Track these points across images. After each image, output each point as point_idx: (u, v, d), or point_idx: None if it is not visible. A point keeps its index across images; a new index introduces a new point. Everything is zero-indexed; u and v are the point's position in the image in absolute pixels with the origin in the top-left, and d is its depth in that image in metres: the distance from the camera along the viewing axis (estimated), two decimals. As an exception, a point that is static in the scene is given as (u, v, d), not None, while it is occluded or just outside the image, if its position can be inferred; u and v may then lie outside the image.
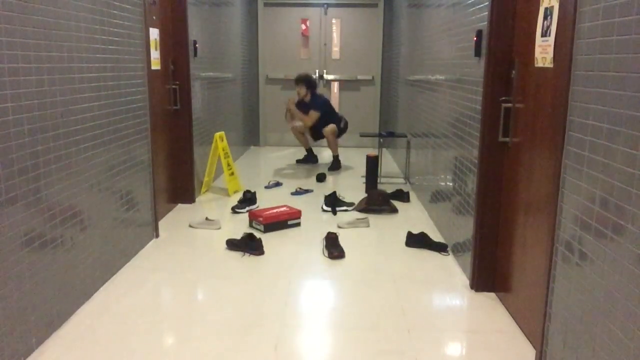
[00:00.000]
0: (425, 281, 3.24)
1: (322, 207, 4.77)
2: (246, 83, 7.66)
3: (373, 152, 5.65)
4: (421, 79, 5.08)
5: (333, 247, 3.66)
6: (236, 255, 3.64)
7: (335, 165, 6.57)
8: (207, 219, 4.28)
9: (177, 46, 4.61)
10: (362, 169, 6.22)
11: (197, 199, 5.04)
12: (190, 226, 4.23)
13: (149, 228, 3.87)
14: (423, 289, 3.13)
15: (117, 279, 3.22)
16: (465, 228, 3.34)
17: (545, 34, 2.37)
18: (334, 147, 6.57)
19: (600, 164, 1.76)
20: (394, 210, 4.71)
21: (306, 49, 8.32)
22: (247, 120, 7.88)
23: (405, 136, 5.94)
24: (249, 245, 3.65)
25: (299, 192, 5.34)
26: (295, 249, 3.78)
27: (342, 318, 2.77)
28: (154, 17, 4.15)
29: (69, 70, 2.69)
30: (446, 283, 3.21)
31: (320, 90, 7.83)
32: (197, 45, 4.98)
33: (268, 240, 3.91)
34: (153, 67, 4.09)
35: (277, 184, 5.68)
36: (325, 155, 7.28)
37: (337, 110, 7.08)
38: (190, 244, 3.86)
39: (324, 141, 6.72)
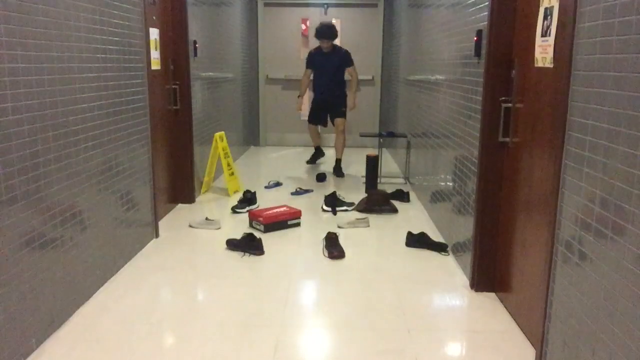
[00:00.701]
0: (425, 281, 3.24)
1: (322, 207, 4.77)
2: (246, 83, 7.66)
3: (373, 152, 5.65)
4: (421, 79, 5.08)
5: (333, 247, 3.66)
6: (236, 255, 3.64)
7: (338, 171, 6.23)
8: (207, 219, 4.28)
9: (177, 46, 4.61)
10: (362, 169, 6.22)
11: (197, 199, 5.04)
12: (190, 226, 4.23)
13: (149, 228, 3.87)
14: (423, 289, 3.13)
15: (117, 279, 3.22)
16: (465, 228, 3.34)
17: (545, 34, 2.37)
18: (340, 147, 6.28)
19: (600, 164, 1.76)
20: (394, 210, 4.71)
21: (306, 49, 8.31)
22: (247, 120, 7.88)
23: (405, 136, 5.94)
24: (249, 245, 3.65)
25: (299, 192, 5.34)
26: (295, 249, 3.78)
27: (342, 318, 2.77)
28: (154, 17, 4.15)
29: (69, 70, 2.69)
30: (446, 283, 3.21)
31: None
32: (197, 45, 4.98)
33: (268, 240, 3.91)
34: (153, 67, 4.09)
35: (277, 184, 5.68)
36: (328, 154, 7.25)
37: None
38: (190, 244, 3.85)
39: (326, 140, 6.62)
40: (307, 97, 7.82)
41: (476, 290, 3.09)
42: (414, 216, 4.62)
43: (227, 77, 6.39)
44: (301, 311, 2.85)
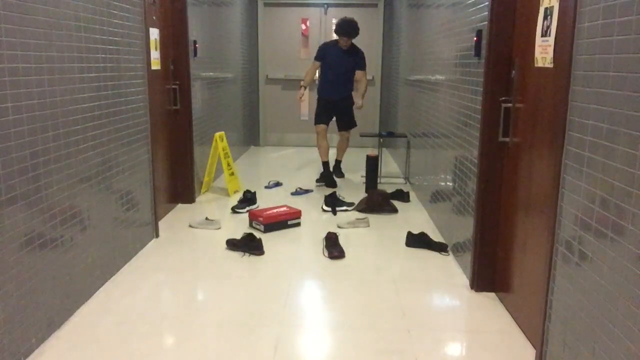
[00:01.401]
0: (425, 281, 3.24)
1: (322, 207, 4.77)
2: (246, 83, 7.66)
3: (373, 152, 5.65)
4: (421, 79, 5.08)
5: (333, 247, 3.66)
6: (236, 255, 3.64)
7: (338, 172, 6.11)
8: (207, 219, 4.28)
9: (177, 46, 4.61)
10: (362, 169, 6.22)
11: (197, 199, 5.04)
12: (190, 226, 4.23)
13: (149, 228, 3.87)
14: (423, 289, 3.13)
15: (117, 279, 3.22)
16: (465, 228, 3.34)
17: (545, 34, 2.37)
18: (342, 150, 6.12)
19: (600, 164, 1.76)
20: (394, 210, 4.71)
21: (306, 49, 8.32)
22: (247, 120, 7.88)
23: (405, 136, 5.94)
24: (249, 245, 3.65)
25: (299, 192, 5.34)
26: (295, 249, 3.78)
27: (342, 318, 2.77)
28: (154, 17, 4.15)
29: (69, 70, 2.69)
30: (446, 283, 3.21)
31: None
32: (197, 45, 4.97)
33: (268, 240, 3.91)
34: (153, 67, 4.09)
35: (277, 184, 5.68)
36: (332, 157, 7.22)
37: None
38: (190, 244, 3.85)
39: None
40: (308, 98, 7.82)
41: (476, 290, 3.09)
42: (414, 216, 4.62)
43: (227, 77, 6.39)
44: (301, 311, 2.85)
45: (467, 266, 3.25)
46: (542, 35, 2.40)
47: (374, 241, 3.98)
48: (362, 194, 5.20)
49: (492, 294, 3.06)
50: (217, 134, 5.20)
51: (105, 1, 3.10)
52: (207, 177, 5.34)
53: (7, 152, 2.20)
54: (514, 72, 2.77)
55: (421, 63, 5.10)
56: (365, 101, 6.28)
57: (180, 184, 4.84)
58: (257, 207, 4.74)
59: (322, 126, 5.80)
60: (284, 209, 4.32)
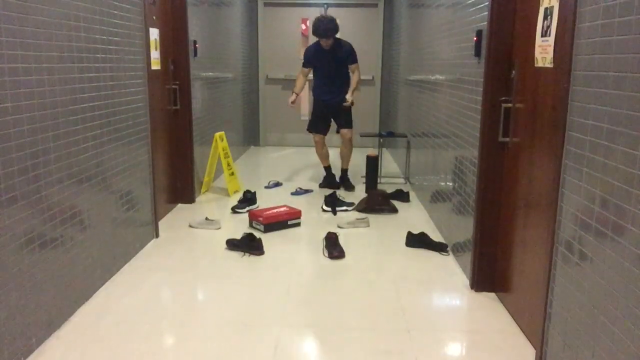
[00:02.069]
0: (425, 281, 3.24)
1: (322, 207, 4.77)
2: (246, 83, 7.66)
3: (373, 152, 5.65)
4: (421, 79, 5.08)
5: (333, 247, 3.66)
6: (236, 255, 3.64)
7: (347, 183, 5.57)
8: (207, 219, 4.28)
9: (177, 46, 4.61)
10: (362, 169, 6.22)
11: (197, 199, 5.04)
12: (190, 226, 4.23)
13: (149, 228, 3.87)
14: (423, 289, 3.13)
15: (117, 279, 3.22)
16: (465, 228, 3.34)
17: (545, 34, 2.37)
18: (347, 156, 5.58)
19: (600, 164, 1.76)
20: (394, 210, 4.71)
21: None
22: (247, 120, 7.88)
23: (405, 136, 5.94)
24: (249, 245, 3.65)
25: (299, 192, 5.34)
26: (295, 249, 3.78)
27: (342, 318, 2.77)
28: (154, 17, 4.15)
29: (69, 70, 2.69)
30: (446, 283, 3.21)
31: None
32: (197, 45, 4.97)
33: (268, 240, 3.91)
34: (153, 67, 4.09)
35: (277, 184, 5.68)
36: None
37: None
38: (190, 244, 3.85)
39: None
40: (308, 98, 7.83)
41: (476, 290, 3.09)
42: (414, 216, 4.62)
43: (227, 77, 6.39)
44: (301, 311, 2.85)
45: (467, 266, 3.25)
46: (542, 35, 2.40)
47: (374, 241, 3.98)
48: (362, 194, 5.20)
49: (492, 294, 3.06)
50: (217, 134, 5.20)
51: (105, 1, 3.10)
52: (207, 177, 5.34)
53: (7, 152, 2.20)
54: (514, 72, 2.77)
55: (421, 63, 5.10)
56: (358, 96, 5.91)
57: (180, 184, 4.84)
58: (257, 207, 4.74)
59: (320, 136, 5.55)
60: (284, 209, 4.32)
